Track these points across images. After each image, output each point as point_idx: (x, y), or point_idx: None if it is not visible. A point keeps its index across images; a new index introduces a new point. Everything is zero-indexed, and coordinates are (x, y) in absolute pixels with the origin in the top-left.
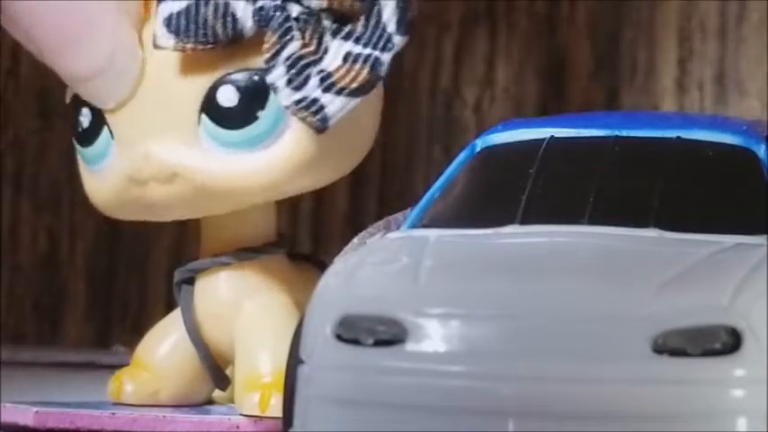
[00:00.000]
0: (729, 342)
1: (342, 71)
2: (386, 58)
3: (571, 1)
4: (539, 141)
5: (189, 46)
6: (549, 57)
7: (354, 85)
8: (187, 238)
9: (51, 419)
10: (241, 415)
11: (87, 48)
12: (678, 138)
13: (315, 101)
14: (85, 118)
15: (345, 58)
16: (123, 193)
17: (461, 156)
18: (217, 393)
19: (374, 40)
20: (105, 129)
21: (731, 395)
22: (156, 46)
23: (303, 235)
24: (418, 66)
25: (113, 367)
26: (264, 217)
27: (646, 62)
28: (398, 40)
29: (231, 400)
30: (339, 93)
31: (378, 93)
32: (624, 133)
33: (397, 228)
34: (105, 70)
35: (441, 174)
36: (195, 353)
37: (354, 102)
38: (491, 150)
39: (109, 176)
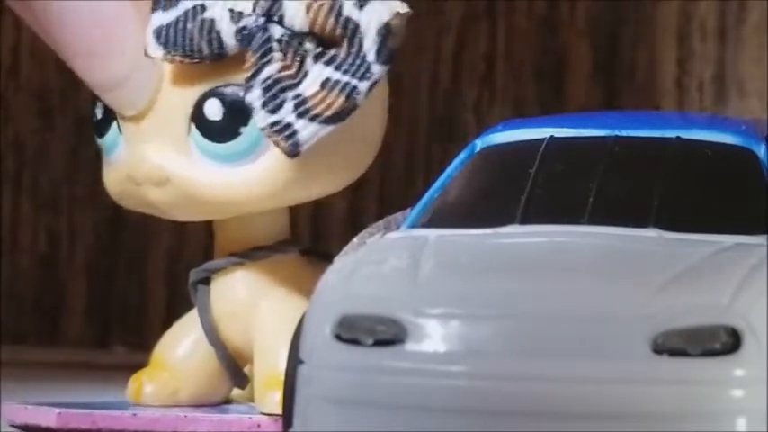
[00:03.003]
0: (729, 342)
1: (318, 98)
2: (363, 86)
3: (571, 1)
4: (538, 141)
5: (176, 58)
6: (548, 57)
7: (329, 112)
8: (187, 238)
9: (74, 420)
10: (261, 414)
11: (110, 58)
12: (678, 138)
13: (288, 125)
14: (99, 110)
15: (323, 84)
16: (125, 188)
17: (461, 156)
18: (236, 392)
19: (354, 68)
20: (115, 123)
21: (731, 395)
22: (146, 55)
23: (303, 235)
24: (418, 66)
25: (113, 367)
26: (278, 216)
27: (646, 62)
28: (377, 70)
29: (250, 399)
30: (313, 119)
31: (383, 105)
32: (624, 133)
33: (397, 228)
34: (127, 80)
35: (441, 174)
36: (213, 352)
37: (328, 129)
38: (491, 150)
39: (116, 170)
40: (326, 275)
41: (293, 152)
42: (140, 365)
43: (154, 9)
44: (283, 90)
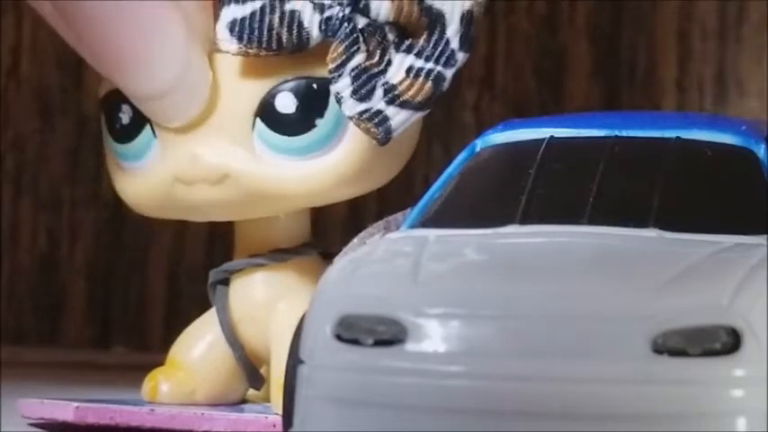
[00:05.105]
0: (729, 342)
1: (405, 84)
2: (448, 73)
3: (571, 1)
4: (539, 141)
5: (252, 51)
6: (548, 57)
7: (419, 98)
8: (188, 238)
9: (91, 415)
10: (277, 414)
11: (156, 67)
12: (678, 138)
13: (379, 112)
14: (125, 114)
15: (408, 72)
16: (166, 193)
17: (461, 156)
18: (251, 393)
19: (437, 54)
20: (148, 126)
21: (731, 395)
22: (218, 50)
23: None
24: None
25: (113, 367)
26: (298, 218)
27: (646, 62)
28: (461, 57)
29: (265, 400)
30: (403, 105)
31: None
32: (624, 133)
33: (397, 228)
34: (174, 90)
35: (441, 174)
36: (230, 353)
37: (417, 115)
38: (491, 150)
39: (150, 175)
40: (327, 275)
41: (385, 138)
42: (140, 365)
43: (225, 4)
44: (372, 78)
